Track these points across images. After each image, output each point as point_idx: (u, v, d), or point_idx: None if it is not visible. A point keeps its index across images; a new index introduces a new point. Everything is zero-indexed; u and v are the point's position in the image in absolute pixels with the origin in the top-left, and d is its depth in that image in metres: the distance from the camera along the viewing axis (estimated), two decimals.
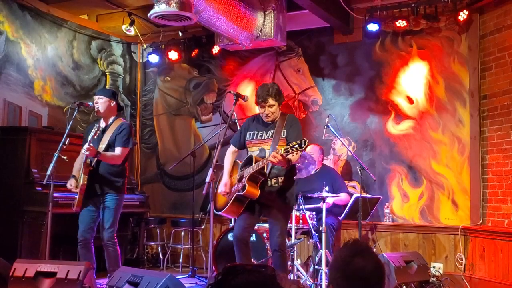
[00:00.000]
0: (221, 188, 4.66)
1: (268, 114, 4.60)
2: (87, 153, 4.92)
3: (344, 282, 1.98)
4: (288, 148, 4.13)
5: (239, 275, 1.65)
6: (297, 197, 5.64)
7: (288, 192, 4.59)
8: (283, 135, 4.55)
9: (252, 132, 4.71)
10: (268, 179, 4.51)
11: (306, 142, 4.07)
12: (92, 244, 5.14)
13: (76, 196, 5.10)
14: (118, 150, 5.15)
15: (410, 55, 6.74)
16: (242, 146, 4.83)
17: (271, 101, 4.55)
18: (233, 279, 1.65)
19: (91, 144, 4.91)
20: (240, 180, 4.53)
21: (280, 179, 4.55)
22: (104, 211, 5.11)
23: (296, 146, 4.09)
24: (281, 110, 4.71)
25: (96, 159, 5.02)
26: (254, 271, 1.67)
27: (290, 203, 4.67)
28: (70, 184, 5.15)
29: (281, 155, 4.16)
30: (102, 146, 5.13)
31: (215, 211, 4.78)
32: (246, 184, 4.40)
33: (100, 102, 5.22)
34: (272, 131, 4.60)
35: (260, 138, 4.66)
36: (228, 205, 4.55)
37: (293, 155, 4.26)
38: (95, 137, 5.02)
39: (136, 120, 8.54)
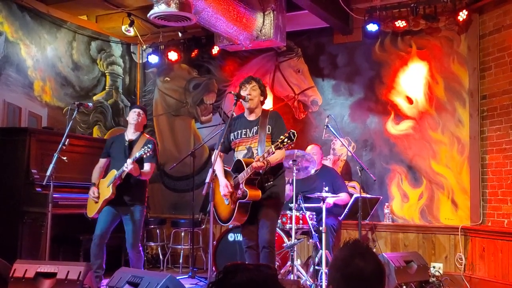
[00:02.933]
0: (224, 191, 4.52)
1: (250, 94, 4.57)
2: (129, 167, 5.00)
3: (344, 283, 1.97)
4: (278, 144, 4.10)
5: (239, 273, 1.65)
6: (297, 197, 5.64)
7: (278, 189, 4.57)
8: (268, 131, 4.52)
9: (236, 132, 4.68)
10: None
11: (295, 134, 4.06)
12: (105, 245, 5.23)
13: (95, 204, 5.22)
14: (147, 166, 5.26)
15: (410, 55, 6.75)
16: (227, 149, 4.81)
17: (254, 83, 4.60)
18: (233, 277, 1.65)
19: (135, 162, 5.03)
20: (237, 187, 4.47)
21: (269, 177, 4.52)
22: (131, 223, 5.23)
23: (286, 140, 4.06)
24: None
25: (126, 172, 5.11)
26: (254, 270, 1.67)
27: (280, 201, 4.64)
28: (93, 192, 5.23)
29: (263, 161, 4.20)
30: (130, 161, 5.19)
31: (221, 223, 4.76)
32: (246, 190, 4.37)
33: (141, 118, 5.41)
34: (256, 127, 4.56)
35: (245, 136, 4.63)
36: (235, 214, 4.49)
37: (283, 149, 4.20)
38: (123, 151, 5.24)
39: None
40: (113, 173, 5.17)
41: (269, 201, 4.52)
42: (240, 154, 4.62)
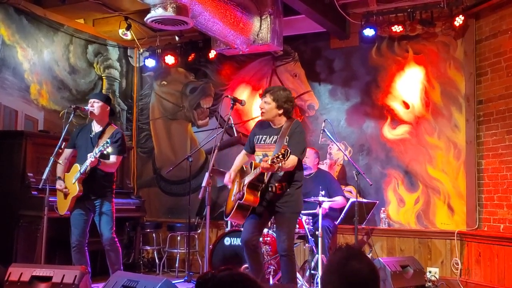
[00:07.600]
0: (225, 179, 4.73)
1: (262, 108, 4.66)
2: (88, 162, 4.90)
3: (340, 286, 1.98)
4: (273, 158, 4.16)
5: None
6: None
7: (293, 197, 4.61)
8: (285, 142, 4.54)
9: (258, 137, 4.77)
10: (271, 185, 4.54)
11: (288, 153, 4.10)
12: (86, 248, 5.16)
13: (64, 200, 5.11)
14: (113, 158, 5.16)
15: (406, 60, 6.76)
16: (252, 150, 4.87)
17: (267, 96, 4.63)
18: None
19: (97, 153, 4.89)
20: (241, 188, 4.56)
21: (284, 185, 4.57)
22: (101, 217, 5.12)
23: (280, 156, 4.12)
24: None
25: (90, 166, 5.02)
26: (227, 284, 1.67)
27: (296, 209, 4.68)
28: (60, 184, 5.11)
29: (270, 164, 4.19)
30: (92, 157, 5.13)
31: (224, 216, 4.89)
32: (245, 192, 4.45)
33: (96, 106, 5.22)
34: (276, 137, 4.62)
35: (264, 143, 4.70)
36: (232, 212, 4.57)
37: (280, 164, 4.23)
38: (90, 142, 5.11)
39: (133, 125, 8.53)
40: (77, 168, 5.07)
41: (285, 208, 4.58)
42: (257, 158, 4.71)
